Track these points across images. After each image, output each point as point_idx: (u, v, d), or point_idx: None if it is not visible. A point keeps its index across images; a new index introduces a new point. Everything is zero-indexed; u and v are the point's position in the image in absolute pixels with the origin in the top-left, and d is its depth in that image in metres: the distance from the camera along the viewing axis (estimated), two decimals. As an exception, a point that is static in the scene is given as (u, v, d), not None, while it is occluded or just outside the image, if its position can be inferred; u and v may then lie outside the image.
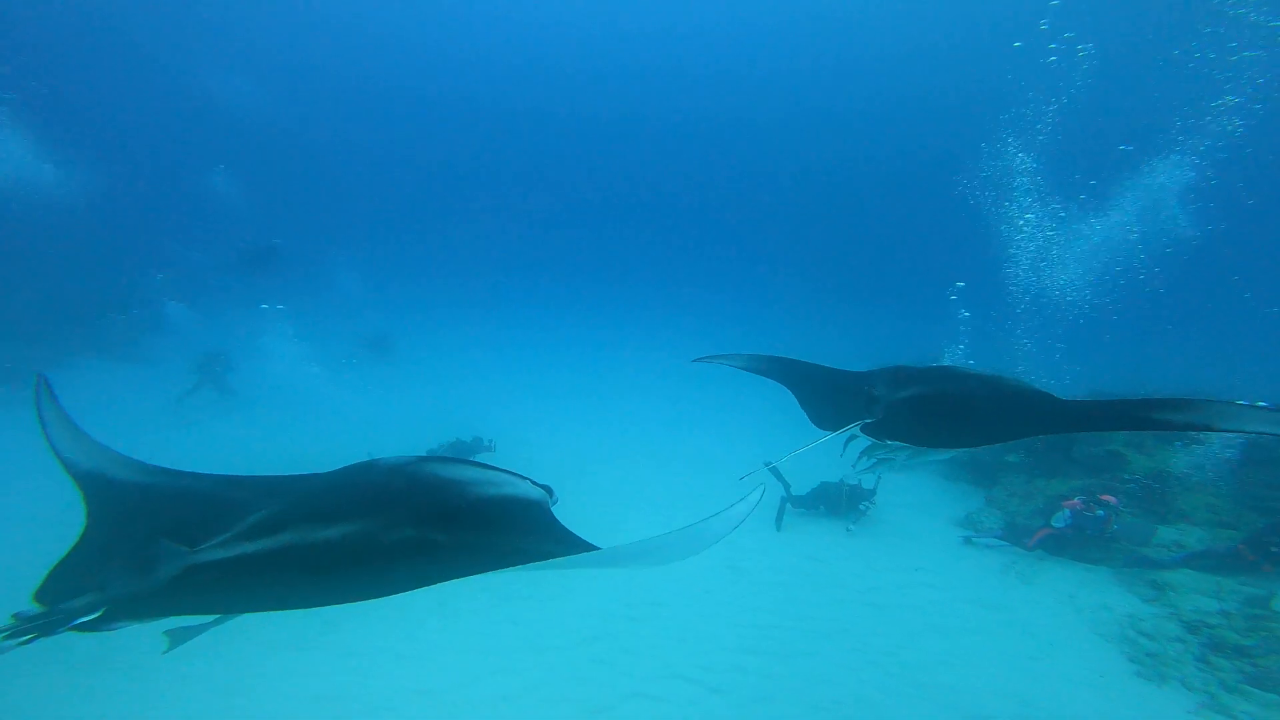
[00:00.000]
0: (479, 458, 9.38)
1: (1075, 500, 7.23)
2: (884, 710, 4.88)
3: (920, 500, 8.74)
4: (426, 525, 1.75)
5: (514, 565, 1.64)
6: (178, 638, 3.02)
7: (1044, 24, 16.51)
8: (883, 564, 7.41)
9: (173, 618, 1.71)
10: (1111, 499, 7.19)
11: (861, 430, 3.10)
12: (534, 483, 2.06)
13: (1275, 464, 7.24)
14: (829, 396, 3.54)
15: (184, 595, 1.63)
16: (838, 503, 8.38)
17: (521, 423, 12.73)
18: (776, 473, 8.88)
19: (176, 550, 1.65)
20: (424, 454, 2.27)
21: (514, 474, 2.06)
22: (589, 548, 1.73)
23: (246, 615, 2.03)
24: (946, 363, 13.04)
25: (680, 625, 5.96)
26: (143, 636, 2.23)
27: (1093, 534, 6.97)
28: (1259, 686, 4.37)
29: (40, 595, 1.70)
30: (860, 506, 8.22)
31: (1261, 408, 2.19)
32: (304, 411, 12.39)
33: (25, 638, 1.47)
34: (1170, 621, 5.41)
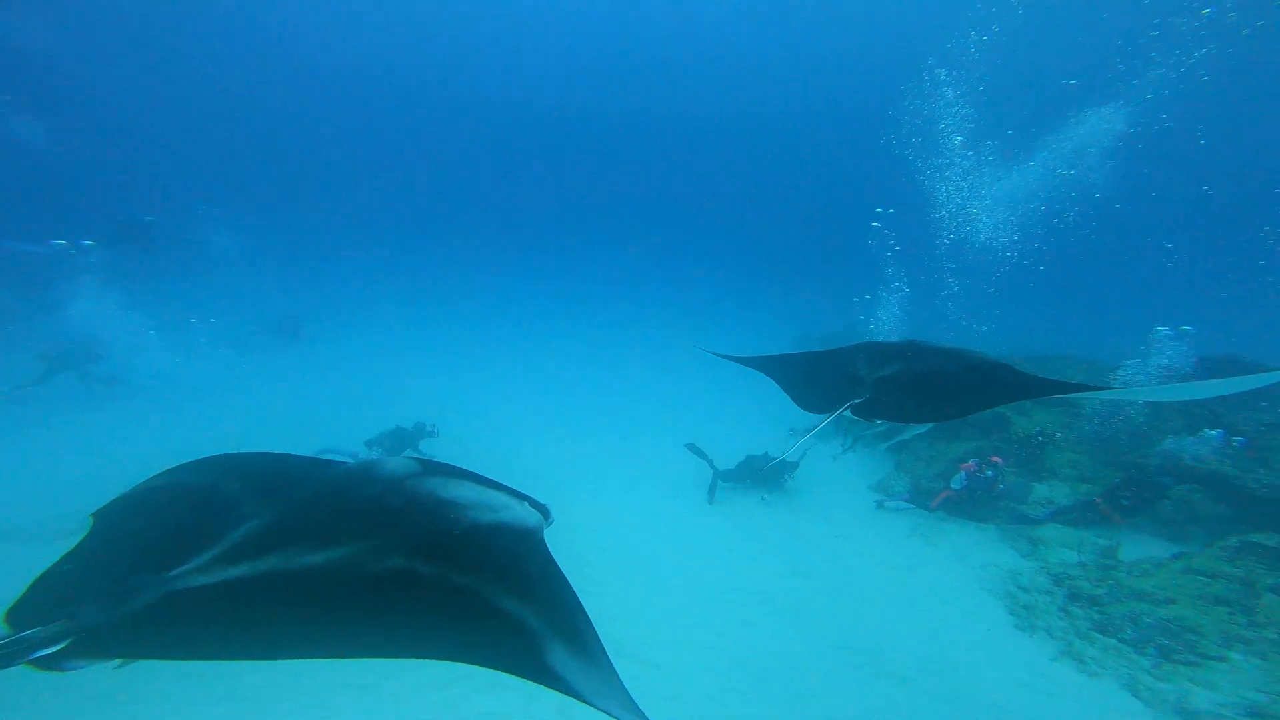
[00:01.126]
0: (422, 444, 9.41)
1: (970, 463, 8.12)
2: (814, 675, 5.39)
3: (839, 468, 9.49)
4: (415, 553, 1.67)
5: (481, 649, 1.56)
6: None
7: None
8: (808, 533, 8.09)
9: (139, 659, 1.54)
10: (999, 460, 8.14)
11: (852, 411, 3.22)
12: (532, 503, 2.04)
13: (1131, 423, 8.43)
14: (813, 380, 3.68)
15: (159, 628, 1.51)
16: (760, 475, 8.96)
17: (463, 402, 12.55)
18: (698, 451, 9.33)
19: (151, 580, 1.56)
20: (420, 459, 2.14)
21: (514, 494, 2.03)
22: (568, 611, 1.67)
23: None
24: (887, 326, 13.86)
25: (619, 603, 6.16)
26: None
27: (983, 494, 7.91)
28: (1103, 633, 5.28)
29: (12, 615, 1.56)
30: (783, 479, 8.84)
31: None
32: (201, 400, 11.57)
33: None
34: (1041, 575, 6.33)
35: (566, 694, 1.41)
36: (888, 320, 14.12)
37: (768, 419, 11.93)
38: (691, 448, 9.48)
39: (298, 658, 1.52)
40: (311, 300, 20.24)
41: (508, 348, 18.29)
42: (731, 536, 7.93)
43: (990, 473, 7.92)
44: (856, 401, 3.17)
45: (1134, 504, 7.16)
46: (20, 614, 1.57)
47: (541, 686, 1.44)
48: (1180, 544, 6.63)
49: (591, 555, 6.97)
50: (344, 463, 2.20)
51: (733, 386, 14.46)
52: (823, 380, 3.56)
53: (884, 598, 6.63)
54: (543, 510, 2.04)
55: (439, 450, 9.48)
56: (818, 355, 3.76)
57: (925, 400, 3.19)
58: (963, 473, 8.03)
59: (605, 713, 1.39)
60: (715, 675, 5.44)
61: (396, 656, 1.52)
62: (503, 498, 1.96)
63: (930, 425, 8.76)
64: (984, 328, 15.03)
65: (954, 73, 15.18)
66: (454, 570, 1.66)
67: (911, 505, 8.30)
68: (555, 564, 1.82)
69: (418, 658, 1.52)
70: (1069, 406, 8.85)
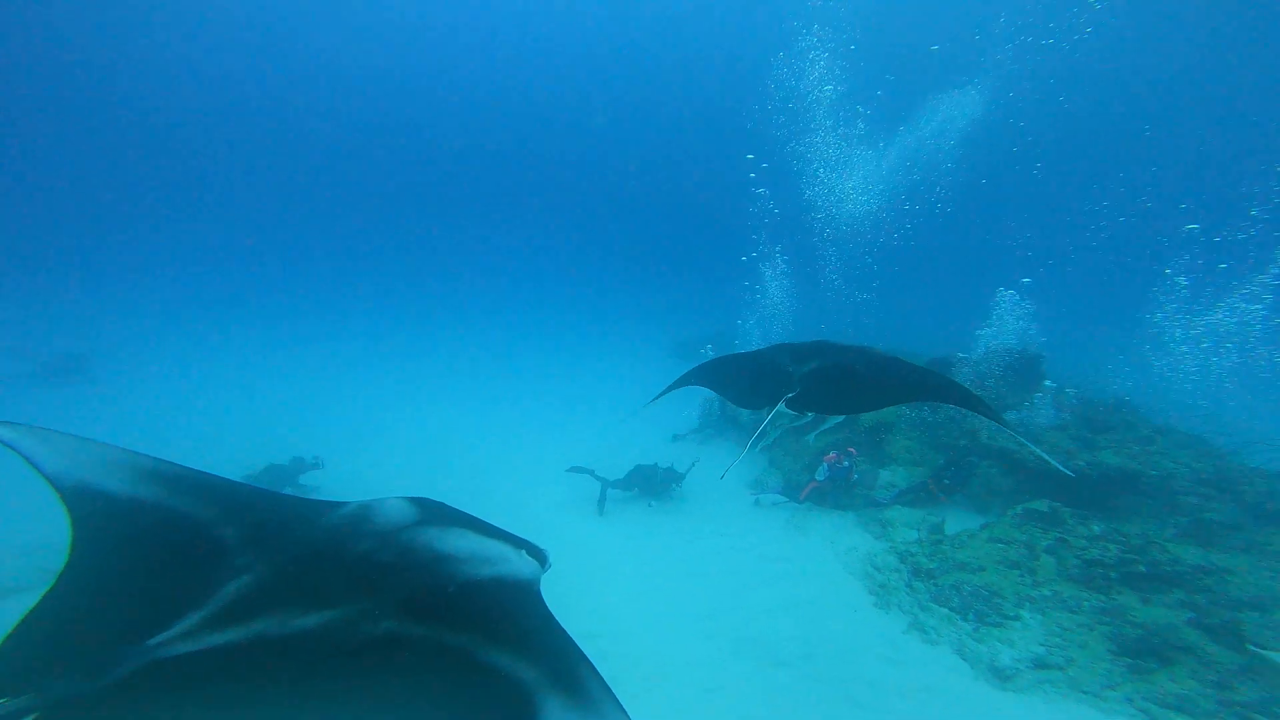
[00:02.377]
0: (302, 479, 8.53)
1: (831, 454, 9.24)
2: (708, 670, 5.82)
3: (721, 471, 10.25)
4: (409, 616, 1.62)
5: (474, 712, 1.52)
6: None
7: None
8: (694, 533, 8.69)
9: None
10: (853, 450, 9.36)
11: (785, 405, 3.49)
12: (530, 550, 2.01)
13: (949, 409, 10.12)
14: (745, 381, 3.97)
15: (139, 701, 1.38)
16: (652, 483, 9.42)
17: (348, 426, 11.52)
18: (581, 470, 9.58)
19: (132, 649, 1.42)
20: (418, 501, 2.06)
21: (513, 542, 1.99)
22: (567, 662, 1.65)
23: None
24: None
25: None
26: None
27: (842, 483, 9.07)
28: (938, 603, 6.43)
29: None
30: (670, 487, 9.37)
31: (1011, 424, 3.17)
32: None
33: None
34: (891, 555, 7.46)
35: None
36: (774, 292, 15.13)
37: (652, 428, 12.51)
38: (574, 469, 9.67)
39: None
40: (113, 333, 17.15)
41: (376, 368, 17.08)
42: (621, 544, 8.28)
43: (847, 463, 9.08)
44: (790, 395, 3.50)
45: (953, 483, 8.68)
46: None
47: None
48: (986, 515, 8.17)
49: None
50: (336, 503, 2.06)
51: (616, 400, 14.92)
52: (754, 380, 3.91)
53: (765, 589, 7.36)
54: (540, 557, 2.04)
55: (326, 482, 8.74)
56: (744, 358, 4.13)
57: (846, 393, 3.63)
58: (825, 464, 9.11)
59: None
60: (613, 683, 5.78)
61: None
62: (500, 548, 1.93)
63: (840, 419, 9.70)
64: (865, 296, 16.74)
65: (824, 35, 16.21)
66: (447, 631, 1.62)
67: (785, 498, 9.25)
68: (550, 614, 1.82)
69: None
70: (903, 399, 10.37)
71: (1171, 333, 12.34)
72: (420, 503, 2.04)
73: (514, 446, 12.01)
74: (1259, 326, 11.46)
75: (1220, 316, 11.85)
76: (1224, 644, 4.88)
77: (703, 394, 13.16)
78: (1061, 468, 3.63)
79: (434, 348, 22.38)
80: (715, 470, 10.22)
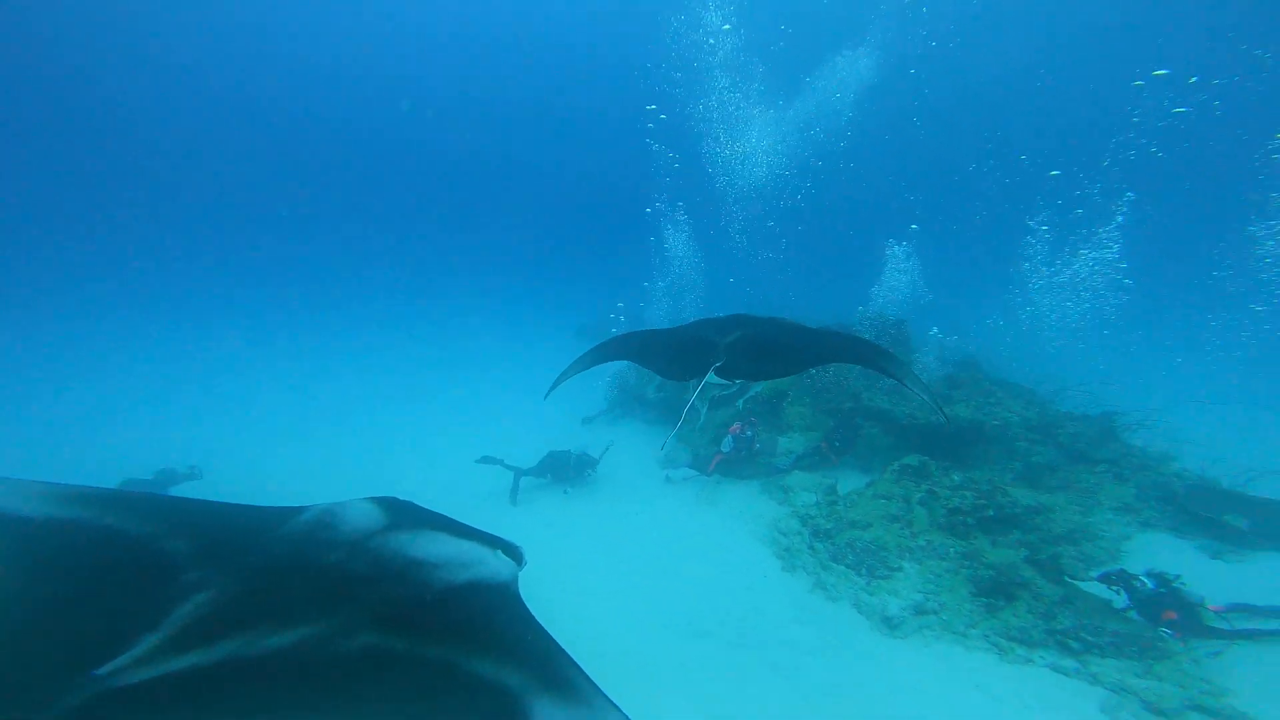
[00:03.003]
0: (176, 490, 7.59)
1: (735, 426, 9.85)
2: (635, 646, 6.11)
3: (632, 449, 10.59)
4: (386, 628, 1.55)
5: None
6: None
7: None
8: (609, 515, 8.98)
9: None
10: (755, 420, 10.04)
11: (715, 374, 3.67)
12: (506, 549, 1.97)
13: (834, 374, 11.11)
14: (669, 353, 4.07)
15: None
16: (565, 469, 9.52)
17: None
18: (490, 461, 9.49)
19: (80, 679, 1.32)
20: (384, 502, 1.96)
21: (486, 541, 1.93)
22: (551, 662, 1.64)
23: None
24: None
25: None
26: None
27: (745, 453, 9.75)
28: (836, 561, 7.29)
29: None
30: (584, 473, 9.54)
31: (921, 382, 3.62)
32: None
33: None
34: (793, 519, 8.24)
35: None
36: (678, 252, 15.28)
37: (561, 414, 12.48)
38: (484, 460, 9.52)
39: None
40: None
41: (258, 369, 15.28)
42: (538, 533, 8.38)
43: (749, 433, 9.75)
44: (717, 364, 3.69)
45: (843, 444, 9.67)
46: None
47: None
48: (871, 473, 9.23)
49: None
50: (289, 509, 1.94)
51: (522, 387, 14.61)
52: (680, 352, 4.04)
53: (682, 562, 7.84)
54: (515, 555, 2.01)
55: (210, 493, 7.89)
56: (666, 332, 4.28)
57: (767, 359, 3.88)
58: (730, 436, 9.71)
59: None
60: None
61: None
62: (475, 549, 1.88)
63: (763, 385, 10.20)
64: (769, 254, 17.39)
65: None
66: (427, 642, 1.57)
67: (694, 472, 9.78)
68: (531, 615, 1.80)
69: None
70: (795, 368, 11.22)
71: (1034, 282, 14.19)
72: (386, 504, 1.96)
73: (419, 441, 11.52)
74: (1107, 274, 13.46)
75: (1077, 267, 13.72)
76: (1049, 577, 6.06)
77: (608, 375, 13.37)
78: (944, 415, 4.16)
79: (320, 346, 20.51)
80: (628, 452, 10.54)
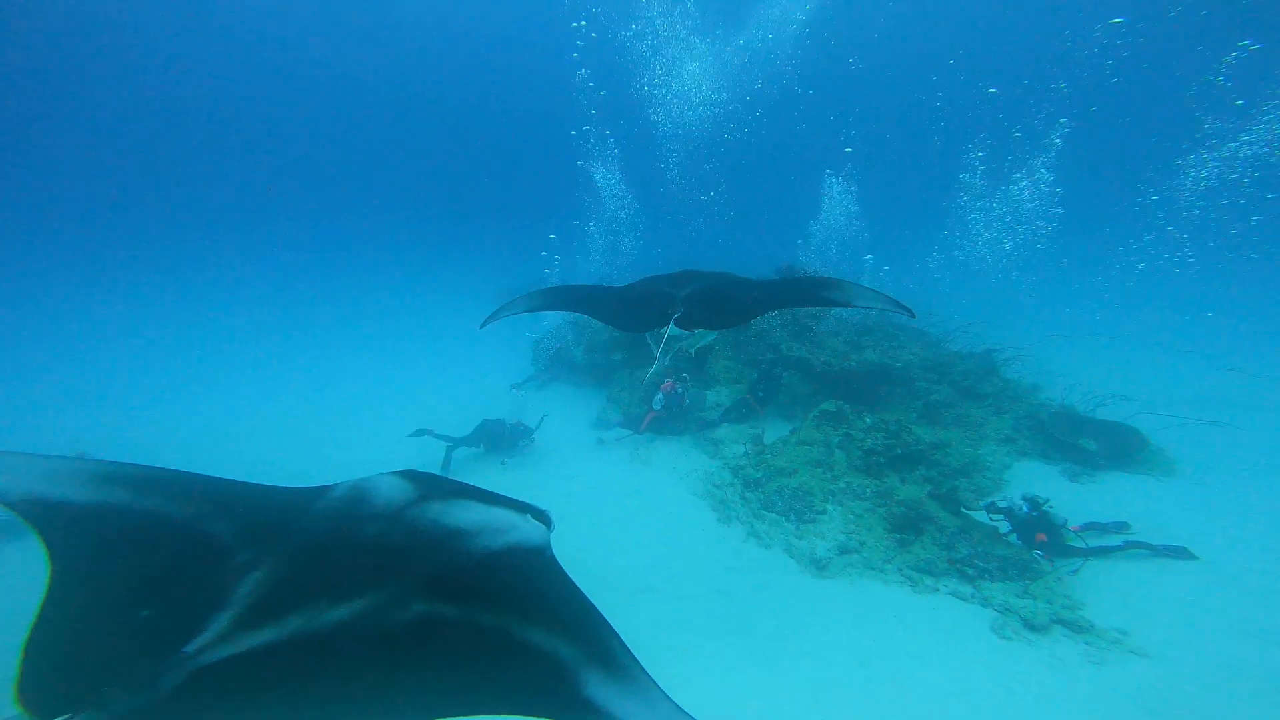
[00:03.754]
0: None
1: (667, 384, 10.05)
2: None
3: (564, 414, 10.52)
4: (436, 596, 1.61)
5: (517, 693, 1.49)
6: None
7: None
8: (545, 483, 9.03)
9: None
10: (685, 375, 10.28)
11: (675, 324, 3.84)
12: (534, 513, 2.04)
13: (755, 327, 11.50)
14: (626, 308, 4.21)
15: (191, 710, 1.38)
16: (500, 439, 9.36)
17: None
18: (425, 433, 9.16)
19: (176, 659, 1.41)
20: (409, 475, 2.00)
21: (516, 507, 1.99)
22: (598, 632, 1.66)
23: None
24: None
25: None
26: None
27: (676, 409, 10.02)
28: (767, 509, 7.82)
29: (25, 696, 1.41)
30: (518, 442, 9.42)
31: (878, 294, 3.86)
32: None
33: None
34: (725, 470, 8.68)
35: None
36: (609, 190, 14.72)
37: (493, 380, 12.09)
38: (418, 433, 9.15)
39: None
40: None
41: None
42: None
43: (680, 389, 9.99)
44: (677, 315, 3.87)
45: (766, 394, 10.18)
46: (33, 693, 1.40)
47: None
48: (793, 421, 9.83)
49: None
50: (317, 489, 1.99)
51: (453, 355, 13.89)
52: (637, 306, 4.21)
53: (622, 523, 8.09)
54: (545, 519, 2.09)
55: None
56: (621, 289, 4.41)
57: (721, 308, 4.11)
58: (660, 394, 9.91)
59: None
60: None
61: (437, 716, 1.45)
62: (506, 515, 1.94)
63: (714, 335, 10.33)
64: (711, 194, 17.13)
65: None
66: (478, 610, 1.63)
67: (628, 431, 9.95)
68: (572, 581, 1.84)
69: (458, 714, 1.46)
70: (719, 321, 11.49)
71: (972, 216, 15.06)
72: (413, 476, 1.99)
73: (346, 419, 10.82)
74: (1042, 200, 14.45)
75: (1014, 191, 14.53)
76: (948, 510, 6.89)
77: (533, 339, 13.07)
78: (909, 312, 4.44)
79: (238, 325, 18.44)
80: (559, 416, 10.47)
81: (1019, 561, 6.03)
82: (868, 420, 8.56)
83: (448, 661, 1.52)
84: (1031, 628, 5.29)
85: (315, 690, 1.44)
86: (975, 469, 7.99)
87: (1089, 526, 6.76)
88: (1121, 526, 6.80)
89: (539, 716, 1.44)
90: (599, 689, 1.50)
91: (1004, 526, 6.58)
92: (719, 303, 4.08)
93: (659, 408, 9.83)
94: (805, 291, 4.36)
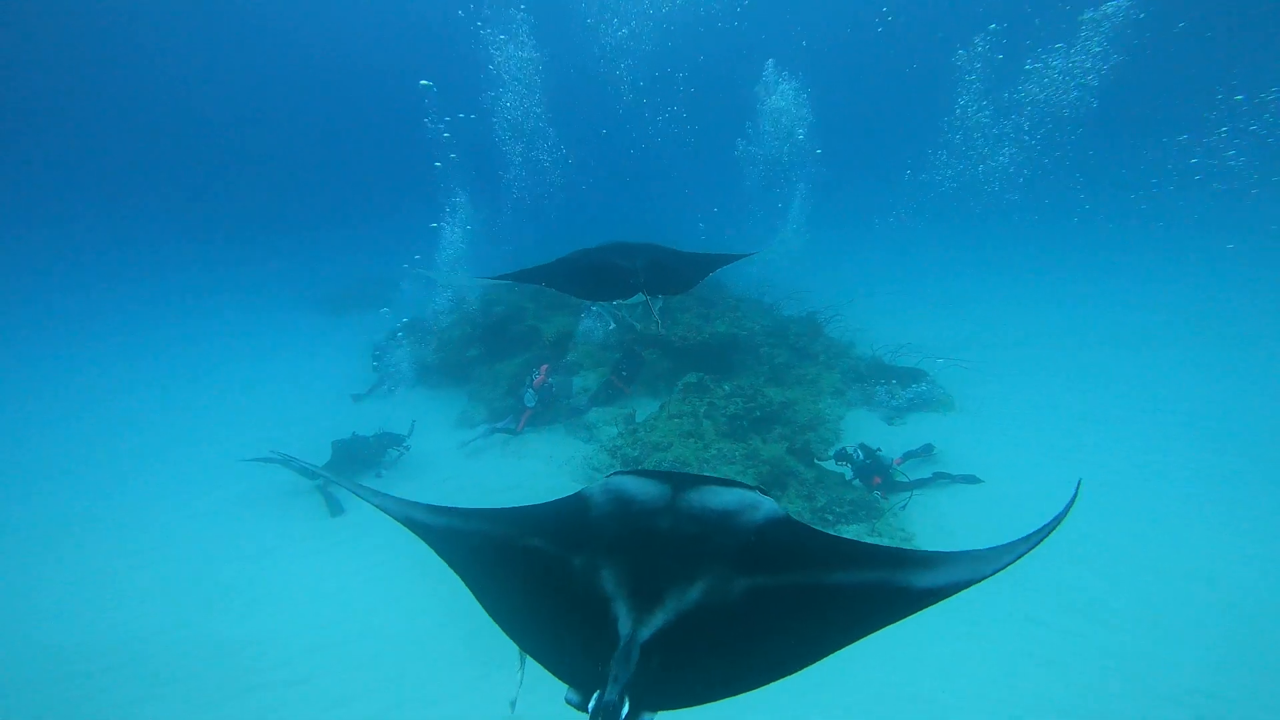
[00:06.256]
0: None
1: (537, 378, 9.79)
2: (469, 617, 6.27)
3: (424, 418, 9.71)
4: (750, 571, 1.71)
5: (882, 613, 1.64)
6: None
7: None
8: (418, 494, 8.31)
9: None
10: (546, 366, 10.11)
11: (645, 293, 4.18)
12: (757, 489, 2.11)
13: (615, 309, 11.64)
14: (587, 281, 4.55)
15: (661, 678, 1.47)
16: (363, 456, 8.45)
17: None
18: (274, 459, 7.93)
19: (622, 639, 1.50)
20: (640, 473, 2.08)
21: (740, 485, 2.08)
22: (883, 551, 1.78)
23: None
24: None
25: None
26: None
27: (547, 400, 9.85)
28: (649, 486, 8.12)
29: (558, 672, 1.55)
30: (390, 451, 8.56)
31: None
32: None
33: None
34: (603, 454, 8.77)
35: (965, 584, 1.65)
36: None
37: (328, 394, 10.67)
38: (258, 460, 7.86)
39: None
40: None
41: None
42: (371, 534, 7.48)
43: (550, 380, 9.83)
44: (644, 284, 4.20)
45: (630, 373, 10.45)
46: (566, 673, 1.52)
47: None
48: (660, 397, 10.23)
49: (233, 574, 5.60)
50: (570, 497, 2.11)
51: (274, 371, 11.89)
52: (596, 278, 4.52)
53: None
54: (763, 491, 2.15)
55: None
56: (568, 264, 4.64)
57: (676, 275, 4.51)
58: (531, 390, 9.65)
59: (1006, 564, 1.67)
60: (387, 660, 5.54)
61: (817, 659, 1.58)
62: (745, 493, 2.03)
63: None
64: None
65: None
66: (791, 569, 1.74)
67: (500, 429, 9.54)
68: (826, 534, 2.01)
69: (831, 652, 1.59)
70: (574, 307, 11.47)
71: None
72: (643, 474, 2.10)
73: (166, 448, 8.80)
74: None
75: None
76: (804, 463, 7.81)
77: (373, 343, 11.92)
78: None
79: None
80: (423, 423, 9.67)
81: (865, 503, 7.08)
82: (726, 388, 9.24)
83: (793, 621, 1.62)
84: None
85: (728, 652, 1.54)
86: (819, 422, 9.13)
87: (906, 456, 8.17)
88: (928, 449, 8.31)
89: (888, 625, 1.58)
90: (916, 578, 1.66)
91: (849, 474, 7.65)
92: (670, 270, 4.49)
93: (533, 405, 9.58)
94: (714, 261, 4.85)
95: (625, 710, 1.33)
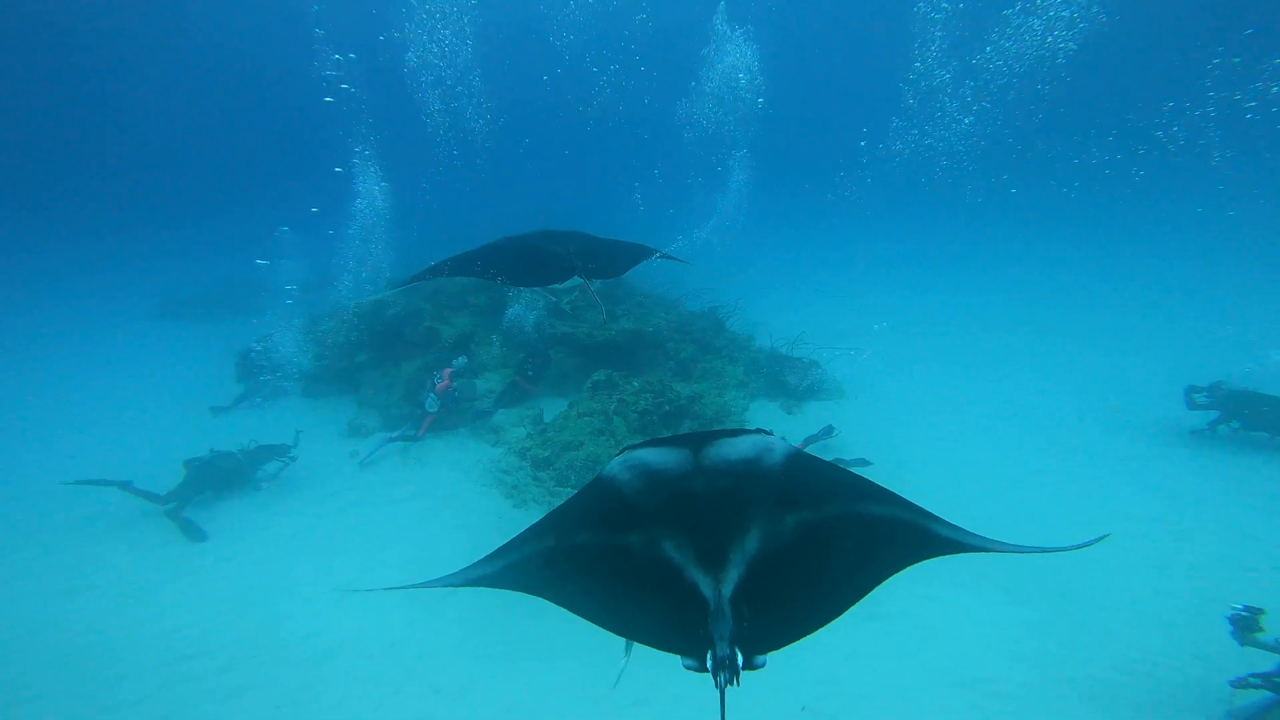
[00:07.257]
0: None
1: (442, 382, 9.22)
2: (400, 636, 5.72)
3: (310, 431, 8.82)
4: (792, 509, 1.79)
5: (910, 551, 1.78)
6: None
7: None
8: (305, 509, 7.59)
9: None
10: (449, 369, 9.59)
11: (581, 276, 4.25)
12: (761, 430, 2.23)
13: (520, 312, 11.28)
14: (520, 268, 4.51)
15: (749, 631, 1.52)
16: (234, 475, 7.52)
17: None
18: (102, 482, 6.87)
19: (712, 602, 1.55)
20: (657, 441, 2.16)
21: (751, 430, 2.19)
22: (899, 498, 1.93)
23: None
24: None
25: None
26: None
27: (450, 405, 9.33)
28: (562, 485, 7.93)
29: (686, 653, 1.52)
30: (266, 467, 7.68)
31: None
32: None
33: None
34: (511, 455, 8.47)
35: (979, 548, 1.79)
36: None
37: (188, 408, 9.37)
38: (83, 483, 6.75)
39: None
40: None
41: None
42: (251, 562, 6.66)
43: (454, 383, 9.32)
44: (579, 269, 4.26)
45: (536, 373, 10.17)
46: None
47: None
48: (568, 395, 10.05)
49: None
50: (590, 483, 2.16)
51: (115, 381, 10.19)
52: (531, 265, 4.49)
53: (415, 532, 7.38)
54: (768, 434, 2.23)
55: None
56: (496, 252, 4.52)
57: (607, 260, 4.55)
58: (433, 395, 9.10)
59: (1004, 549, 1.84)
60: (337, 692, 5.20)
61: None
62: (759, 437, 2.12)
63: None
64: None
65: None
66: (830, 501, 1.85)
67: (399, 437, 8.88)
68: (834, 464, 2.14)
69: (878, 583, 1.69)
70: (475, 307, 10.98)
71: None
72: (659, 441, 2.17)
73: None
74: None
75: None
76: (716, 449, 8.01)
77: (239, 351, 10.66)
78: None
79: None
80: (320, 434, 8.77)
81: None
82: (635, 384, 9.27)
83: (846, 544, 1.73)
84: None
85: (803, 585, 1.62)
86: (725, 415, 9.41)
87: (808, 441, 8.65)
88: (828, 430, 8.86)
89: (921, 560, 1.72)
90: (944, 531, 1.81)
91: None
92: (600, 255, 4.53)
93: (435, 410, 9.03)
94: (639, 249, 4.89)
95: (741, 660, 1.40)
